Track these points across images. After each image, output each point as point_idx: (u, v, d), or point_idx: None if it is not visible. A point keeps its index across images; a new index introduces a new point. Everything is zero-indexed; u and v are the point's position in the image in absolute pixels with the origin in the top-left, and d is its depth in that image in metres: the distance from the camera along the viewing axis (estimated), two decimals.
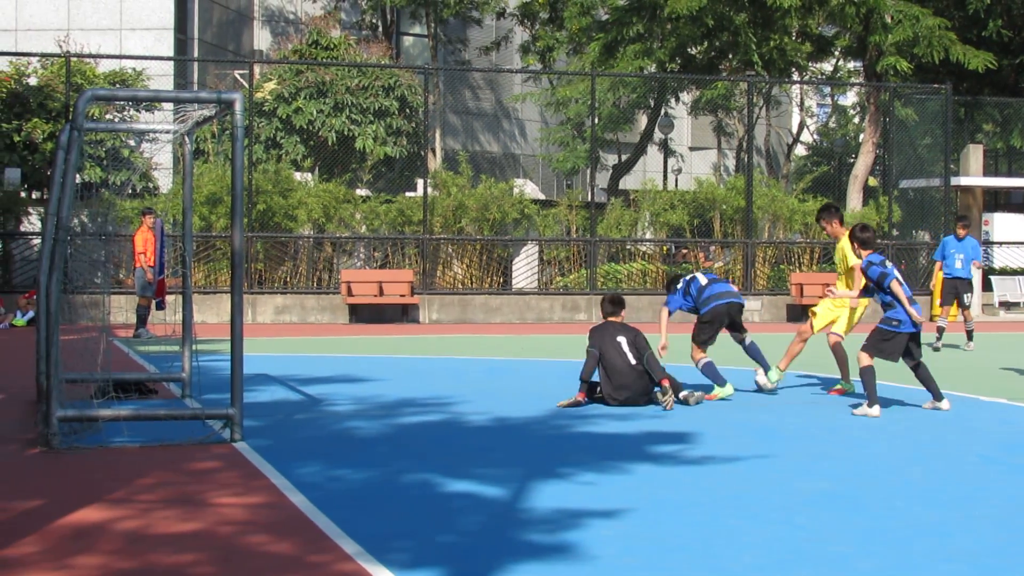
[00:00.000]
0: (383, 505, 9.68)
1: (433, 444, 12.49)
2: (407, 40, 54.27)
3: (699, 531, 8.96)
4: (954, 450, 12.51)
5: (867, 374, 14.67)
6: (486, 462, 11.41)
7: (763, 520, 9.30)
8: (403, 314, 29.77)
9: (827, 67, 58.72)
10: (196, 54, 44.97)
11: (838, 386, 16.97)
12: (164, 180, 35.50)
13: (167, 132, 16.11)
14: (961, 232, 24.92)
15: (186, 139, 14.78)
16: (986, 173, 38.46)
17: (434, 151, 43.36)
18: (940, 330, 24.73)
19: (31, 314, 27.03)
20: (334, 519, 9.03)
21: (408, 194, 34.36)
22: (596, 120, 36.80)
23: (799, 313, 30.97)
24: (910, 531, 9.07)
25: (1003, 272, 37.81)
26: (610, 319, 15.38)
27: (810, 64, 47.99)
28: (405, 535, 8.66)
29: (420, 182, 32.98)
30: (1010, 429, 14.22)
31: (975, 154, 35.45)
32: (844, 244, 16.64)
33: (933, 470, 11.36)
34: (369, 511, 9.46)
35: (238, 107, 12.24)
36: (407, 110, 39.00)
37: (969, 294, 24.93)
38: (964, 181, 33.95)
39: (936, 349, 23.90)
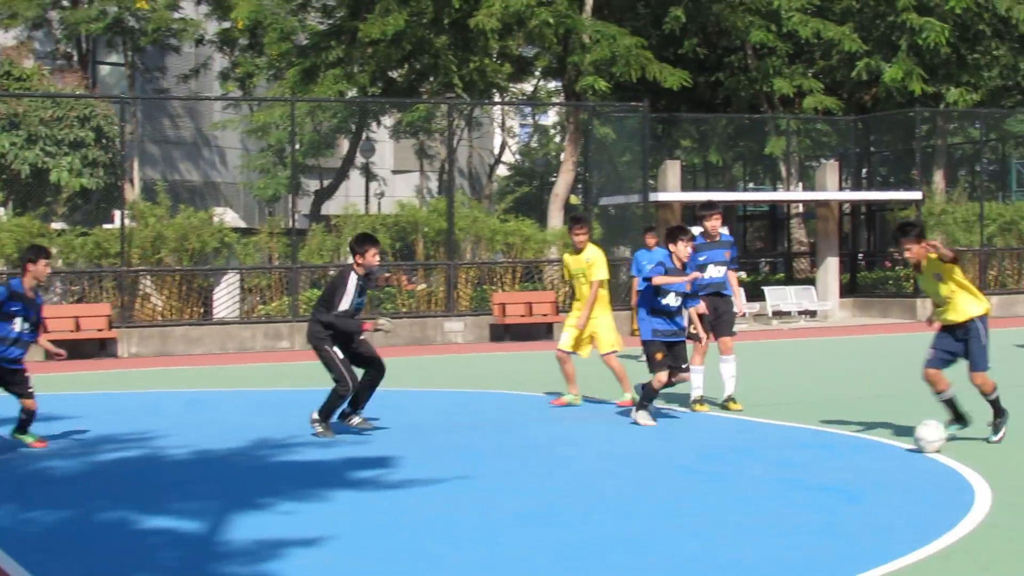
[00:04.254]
0: (78, 547, 9.42)
1: (130, 481, 12.21)
2: (103, 69, 53.13)
3: (400, 556, 8.95)
4: (654, 461, 12.74)
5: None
6: (185, 496, 11.20)
7: (464, 541, 9.35)
8: (101, 348, 29.06)
9: (528, 87, 59.49)
10: None
11: (564, 397, 17.26)
12: None
13: None
14: (651, 242, 24.54)
15: None
16: (684, 188, 39.32)
17: (132, 182, 42.50)
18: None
19: None
20: (25, 564, 8.77)
21: (105, 226, 33.58)
22: (297, 146, 36.54)
23: (502, 332, 31.25)
24: (605, 544, 9.20)
25: None
26: None
27: (511, 85, 48.53)
28: None
29: (117, 213, 32.28)
30: (709, 438, 14.54)
31: (672, 170, 36.26)
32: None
33: (632, 482, 11.54)
34: (63, 553, 9.19)
35: None
36: (103, 140, 38.12)
37: None
38: (662, 196, 34.65)
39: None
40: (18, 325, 13.77)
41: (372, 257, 14.73)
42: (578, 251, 17.21)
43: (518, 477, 11.92)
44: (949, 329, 13.26)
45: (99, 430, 15.74)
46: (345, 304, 14.44)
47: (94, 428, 15.96)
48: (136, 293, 30.37)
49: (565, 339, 17.11)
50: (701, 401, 16.63)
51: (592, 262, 17.07)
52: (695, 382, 16.46)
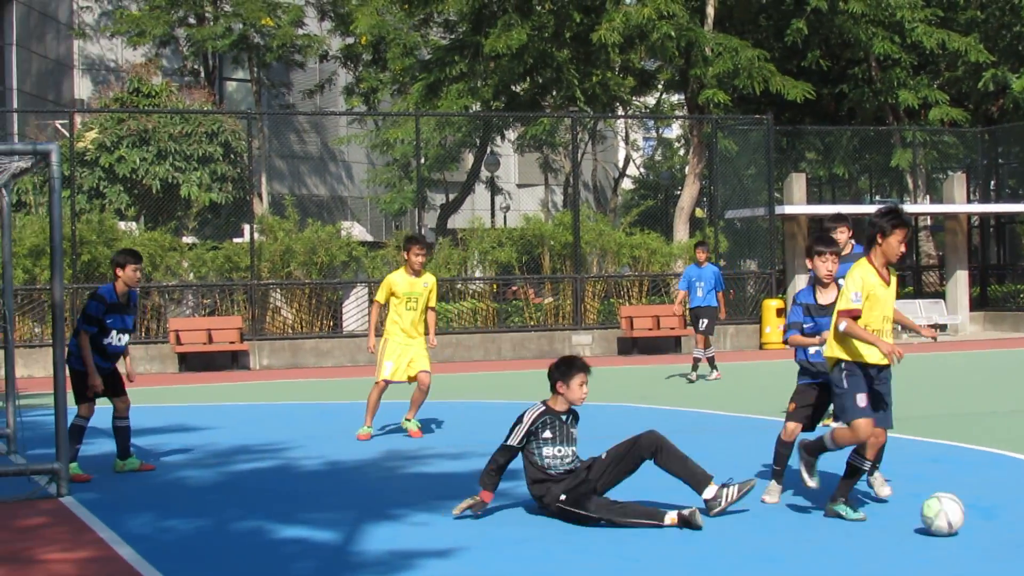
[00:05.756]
0: (214, 554, 9.59)
1: (265, 491, 12.38)
2: (230, 85, 53.93)
3: (532, 566, 9.00)
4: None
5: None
6: (318, 507, 11.34)
7: (597, 553, 9.38)
8: (233, 361, 29.49)
9: (651, 100, 59.46)
10: (15, 104, 44.27)
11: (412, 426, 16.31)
12: None
13: None
14: (701, 257, 23.91)
15: (3, 191, 14.52)
16: (810, 201, 39.11)
17: (260, 196, 43.07)
18: (696, 361, 23.93)
19: None
20: (164, 571, 8.92)
21: (235, 240, 34.06)
22: (422, 160, 36.83)
23: (630, 346, 31.26)
24: (738, 556, 9.20)
25: None
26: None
27: (633, 98, 48.55)
28: None
29: (247, 227, 32.76)
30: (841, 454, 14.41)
31: (798, 182, 36.07)
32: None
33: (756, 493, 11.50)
34: (200, 561, 9.36)
35: (54, 158, 12.09)
36: (231, 155, 38.69)
37: (704, 320, 23.64)
38: (788, 209, 34.50)
39: (690, 380, 23.45)
40: (115, 338, 13.73)
41: (132, 273, 13.74)
42: (415, 273, 16.18)
43: (644, 490, 11.92)
44: None
45: (233, 441, 16.00)
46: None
47: (228, 439, 16.23)
48: (266, 306, 30.79)
49: (391, 370, 16.14)
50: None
51: (431, 287, 16.32)
52: None
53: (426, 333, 16.35)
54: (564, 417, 10.72)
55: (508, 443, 10.65)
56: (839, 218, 15.21)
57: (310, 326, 30.89)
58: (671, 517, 10.06)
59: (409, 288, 16.09)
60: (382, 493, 12.09)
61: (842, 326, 10.06)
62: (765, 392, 20.97)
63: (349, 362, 29.81)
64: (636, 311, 31.94)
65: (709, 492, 10.47)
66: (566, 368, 10.73)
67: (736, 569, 8.89)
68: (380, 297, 16.32)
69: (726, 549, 9.42)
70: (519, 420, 10.67)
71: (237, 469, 13.78)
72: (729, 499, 10.43)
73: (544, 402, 10.78)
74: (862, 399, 10.15)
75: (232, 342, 29.36)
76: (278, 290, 31.05)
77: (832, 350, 10.26)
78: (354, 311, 31.59)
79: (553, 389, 10.75)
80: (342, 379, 26.26)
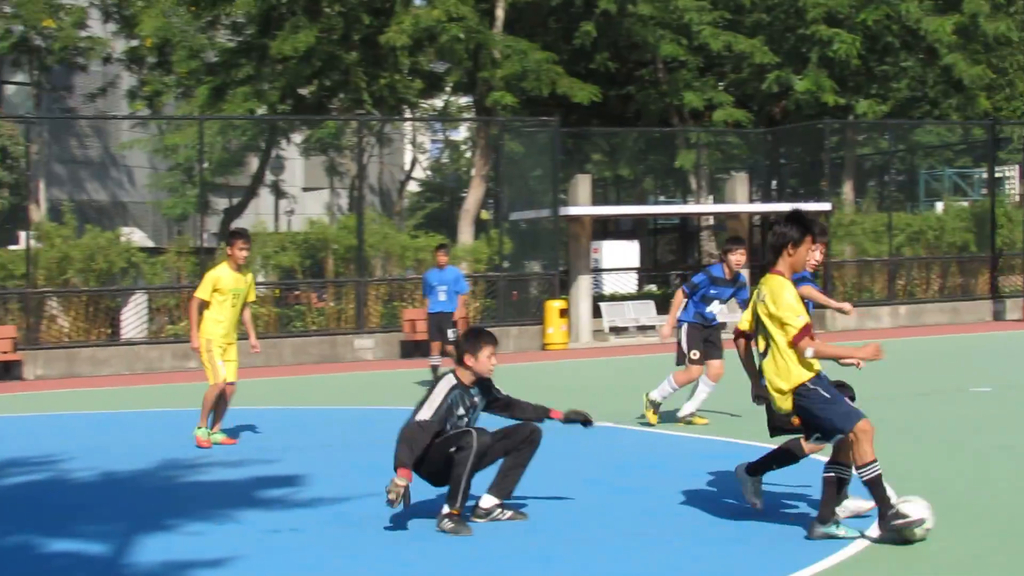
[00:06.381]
0: None
1: (36, 504, 12.05)
2: (9, 89, 52.62)
3: (306, 574, 8.93)
4: (563, 476, 12.72)
5: None
6: (91, 519, 11.10)
7: (370, 558, 9.35)
8: (6, 372, 28.70)
9: (439, 103, 59.51)
10: None
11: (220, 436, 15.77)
12: None
13: None
14: (442, 260, 22.95)
15: None
16: (596, 202, 39.46)
17: (37, 202, 42.08)
18: (434, 368, 22.62)
19: None
20: None
21: (11, 247, 33.23)
22: (205, 164, 36.31)
23: (412, 349, 31.13)
24: (516, 557, 9.21)
25: (612, 298, 38.92)
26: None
27: (421, 101, 48.53)
28: None
29: (23, 234, 31.93)
30: (617, 452, 14.54)
31: (583, 184, 36.28)
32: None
33: (542, 495, 11.52)
34: None
35: None
36: (8, 161, 37.76)
37: (445, 326, 22.51)
38: (572, 211, 34.66)
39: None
40: None
41: None
42: (238, 268, 15.82)
43: (423, 494, 11.85)
44: None
45: (4, 454, 15.51)
46: None
47: None
48: (42, 315, 30.02)
49: (225, 370, 15.63)
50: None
51: (251, 283, 16.05)
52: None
53: (247, 334, 16.04)
54: (472, 391, 10.64)
55: (422, 419, 10.32)
56: (737, 240, 16.50)
57: (87, 334, 30.20)
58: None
59: (234, 284, 15.63)
60: (158, 503, 11.87)
61: (809, 352, 9.39)
62: (551, 392, 20.96)
63: (127, 370, 29.22)
64: (419, 314, 31.73)
65: (487, 502, 10.53)
66: (474, 340, 10.66)
67: (511, 571, 8.90)
68: (203, 294, 15.62)
69: (500, 550, 9.42)
70: (430, 393, 10.50)
71: (7, 483, 13.40)
72: (494, 517, 10.49)
73: (453, 373, 10.65)
74: (847, 401, 9.68)
75: (5, 352, 28.59)
76: (54, 298, 30.33)
77: (790, 379, 9.46)
78: (132, 319, 30.99)
79: (460, 362, 10.63)
80: (120, 388, 25.75)
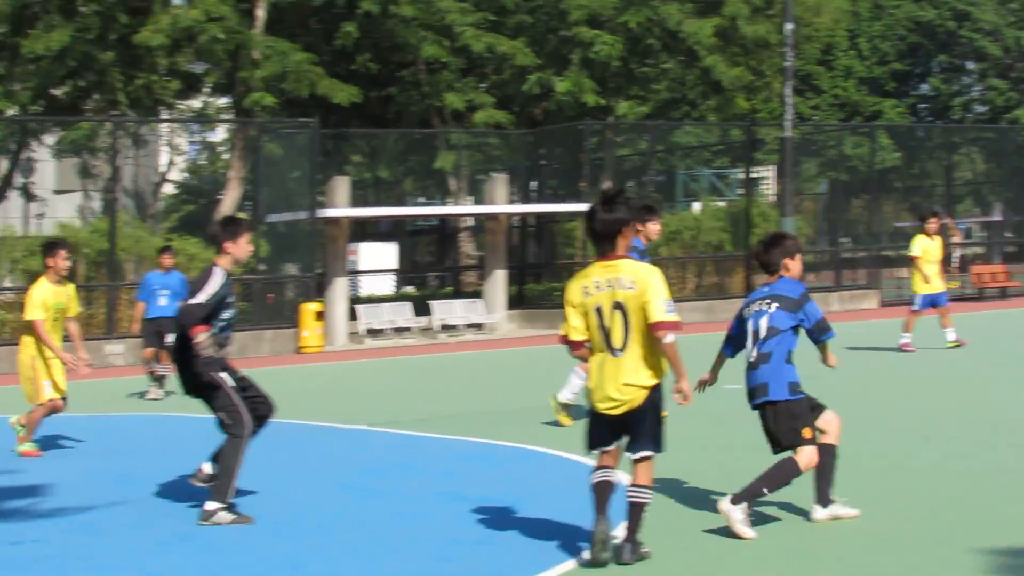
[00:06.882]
0: None
1: None
2: None
3: None
4: (316, 480, 12.62)
5: None
6: None
7: (111, 569, 9.17)
8: None
9: (197, 104, 58.65)
10: None
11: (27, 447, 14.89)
12: None
13: None
14: (167, 263, 21.68)
15: None
16: (355, 204, 39.24)
17: None
18: (160, 378, 21.23)
19: None
20: None
21: None
22: None
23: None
24: (263, 564, 9.13)
25: (369, 300, 38.80)
26: None
27: (178, 102, 47.81)
28: None
29: None
30: (370, 455, 14.48)
31: (342, 185, 36.06)
32: None
33: (292, 502, 11.42)
34: None
35: None
36: None
37: (165, 333, 20.20)
38: (330, 212, 34.42)
39: (154, 399, 21.16)
40: None
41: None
42: (59, 280, 14.87)
43: (173, 500, 11.66)
44: None
45: None
46: None
47: None
48: None
49: (50, 388, 14.80)
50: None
51: (73, 295, 15.16)
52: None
53: (76, 348, 14.94)
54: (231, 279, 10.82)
55: (197, 302, 10.42)
56: (651, 209, 14.65)
57: None
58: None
59: (56, 299, 14.70)
60: None
61: (670, 338, 8.87)
62: (304, 396, 20.84)
63: None
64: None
65: (210, 506, 10.49)
66: (233, 226, 10.86)
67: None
68: (39, 315, 14.58)
69: (248, 558, 9.33)
70: (206, 281, 10.52)
71: None
72: (217, 521, 10.38)
73: (217, 264, 10.71)
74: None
75: None
76: None
77: (644, 376, 8.91)
78: None
79: (220, 250, 10.74)
80: None
